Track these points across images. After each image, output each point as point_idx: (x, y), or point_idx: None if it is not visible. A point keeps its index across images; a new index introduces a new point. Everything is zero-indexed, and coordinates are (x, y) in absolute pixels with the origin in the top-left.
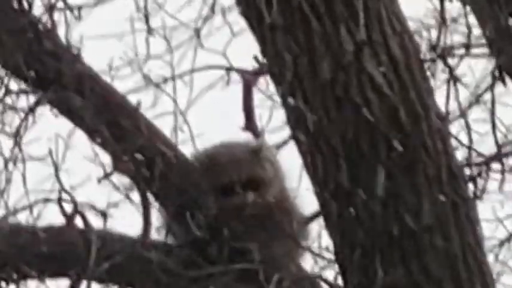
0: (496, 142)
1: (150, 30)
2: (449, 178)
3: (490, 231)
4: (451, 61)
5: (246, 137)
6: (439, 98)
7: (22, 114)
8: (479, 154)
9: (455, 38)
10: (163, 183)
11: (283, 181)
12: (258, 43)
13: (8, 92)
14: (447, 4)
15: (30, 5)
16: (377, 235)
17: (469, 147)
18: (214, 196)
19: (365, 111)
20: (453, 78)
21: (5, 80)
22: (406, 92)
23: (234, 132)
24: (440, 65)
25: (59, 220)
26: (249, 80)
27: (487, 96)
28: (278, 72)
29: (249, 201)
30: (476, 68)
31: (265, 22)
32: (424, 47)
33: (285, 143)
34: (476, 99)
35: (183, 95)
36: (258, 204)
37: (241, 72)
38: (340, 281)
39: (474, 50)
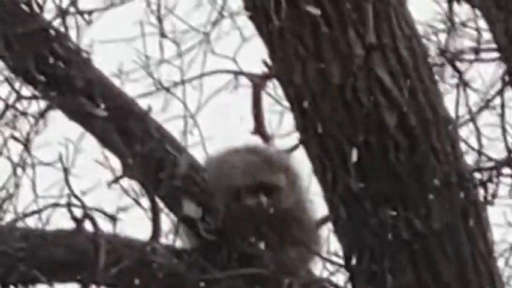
0: (506, 146)
1: (163, 34)
2: (458, 182)
3: (500, 236)
4: (461, 66)
5: (256, 140)
6: (449, 103)
7: (32, 120)
8: (489, 158)
9: (465, 42)
10: (172, 187)
11: (299, 192)
12: (266, 47)
13: (19, 97)
14: (456, 8)
15: (41, 9)
16: (386, 239)
17: (479, 152)
18: (226, 200)
19: (374, 115)
20: (463, 83)
21: (16, 86)
22: (416, 96)
23: (244, 136)
24: (449, 69)
25: (68, 225)
26: (258, 84)
27: (497, 101)
28: (287, 76)
29: (263, 204)
30: (486, 72)
31: (274, 26)
32: (433, 51)
33: (294, 147)
34: (486, 104)
35: (192, 98)
36: (271, 210)
37: (251, 77)
38: (349, 286)
39: (484, 55)
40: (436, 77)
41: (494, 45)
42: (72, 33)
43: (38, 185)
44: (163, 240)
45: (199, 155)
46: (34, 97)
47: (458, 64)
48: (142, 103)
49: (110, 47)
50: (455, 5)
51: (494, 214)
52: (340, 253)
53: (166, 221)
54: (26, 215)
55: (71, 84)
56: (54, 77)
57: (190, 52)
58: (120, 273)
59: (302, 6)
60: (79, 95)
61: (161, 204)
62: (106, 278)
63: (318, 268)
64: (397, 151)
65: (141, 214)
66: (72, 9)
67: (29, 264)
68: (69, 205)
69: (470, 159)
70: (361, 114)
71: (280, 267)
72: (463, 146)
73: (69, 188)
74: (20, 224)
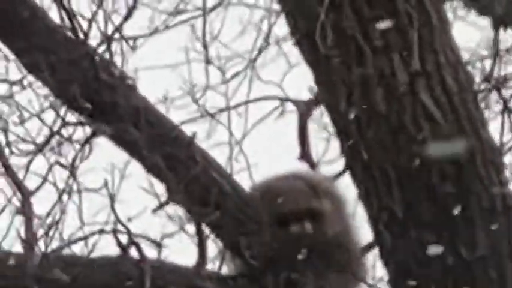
0: None
1: (208, 60)
2: (503, 209)
3: None
4: (505, 92)
5: (302, 167)
6: (494, 130)
7: (77, 146)
8: None
9: (510, 68)
10: (219, 214)
11: (345, 218)
12: (312, 73)
13: (64, 124)
14: (501, 34)
15: (86, 36)
16: (431, 266)
17: None
18: (271, 226)
19: (419, 141)
20: (507, 110)
21: (61, 112)
22: (460, 123)
23: (290, 163)
24: (494, 96)
25: (114, 251)
26: (304, 111)
27: None
28: (332, 102)
29: (307, 231)
30: None
31: (320, 53)
32: (477, 77)
33: (340, 173)
34: None
35: (238, 125)
36: (315, 236)
37: (296, 103)
38: None
39: None
40: (481, 104)
41: None
42: (117, 60)
43: (83, 212)
44: (209, 266)
45: (245, 182)
46: (79, 123)
47: (503, 91)
48: (188, 129)
49: (155, 73)
50: (500, 31)
51: None
52: (386, 279)
53: (212, 247)
54: (71, 242)
55: (116, 110)
56: (100, 103)
57: (235, 78)
58: None
59: (348, 32)
60: (124, 122)
61: (207, 231)
62: None
63: None
64: (442, 178)
65: (187, 240)
66: (117, 36)
67: None
68: (114, 231)
69: None
70: (406, 141)
71: None
72: (508, 173)
73: (115, 214)
74: (66, 251)
